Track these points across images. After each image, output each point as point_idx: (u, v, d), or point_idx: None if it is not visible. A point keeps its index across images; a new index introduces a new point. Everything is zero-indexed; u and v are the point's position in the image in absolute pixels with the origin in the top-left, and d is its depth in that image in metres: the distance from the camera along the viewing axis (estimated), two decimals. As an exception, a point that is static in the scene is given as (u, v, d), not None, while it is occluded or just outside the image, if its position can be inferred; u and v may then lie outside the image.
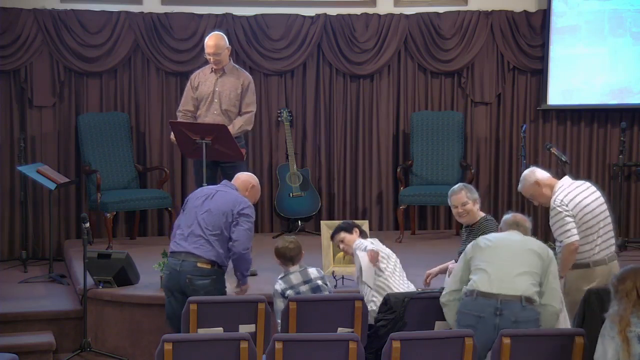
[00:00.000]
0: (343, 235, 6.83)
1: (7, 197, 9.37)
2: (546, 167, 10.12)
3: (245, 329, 5.96)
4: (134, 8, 9.55)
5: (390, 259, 6.58)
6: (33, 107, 9.41)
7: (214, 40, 8.03)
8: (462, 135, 9.91)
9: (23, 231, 9.23)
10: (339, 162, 10.03)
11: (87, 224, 7.31)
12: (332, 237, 6.96)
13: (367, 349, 5.82)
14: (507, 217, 6.16)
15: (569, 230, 6.30)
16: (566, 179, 6.59)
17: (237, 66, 8.30)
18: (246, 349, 5.23)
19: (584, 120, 10.22)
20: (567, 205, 6.36)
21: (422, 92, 10.09)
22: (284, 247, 6.61)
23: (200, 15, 9.64)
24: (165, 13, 9.60)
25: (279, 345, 5.19)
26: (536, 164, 10.09)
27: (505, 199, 10.24)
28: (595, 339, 5.47)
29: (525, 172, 6.69)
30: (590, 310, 5.82)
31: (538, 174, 6.58)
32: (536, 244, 5.90)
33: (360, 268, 6.49)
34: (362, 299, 6.13)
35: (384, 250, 6.62)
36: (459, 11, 10.00)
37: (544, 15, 9.96)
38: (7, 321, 7.44)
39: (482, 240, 5.93)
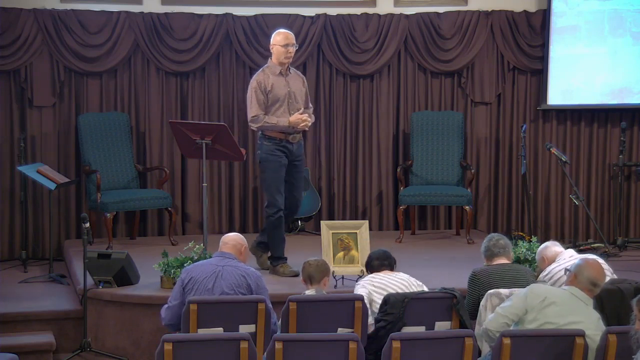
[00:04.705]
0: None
1: (7, 197, 9.37)
2: (546, 167, 10.18)
3: (245, 329, 5.96)
4: (134, 8, 9.55)
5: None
6: (33, 107, 9.41)
7: (290, 33, 8.00)
8: (462, 135, 9.91)
9: (23, 231, 9.22)
10: (339, 162, 10.03)
11: (87, 224, 7.30)
12: None
13: (366, 349, 5.82)
14: (584, 273, 5.72)
15: None
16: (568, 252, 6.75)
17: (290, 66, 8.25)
18: (246, 349, 5.22)
19: (584, 120, 10.22)
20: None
21: (422, 92, 10.09)
22: (307, 264, 6.45)
23: (200, 15, 9.64)
24: (165, 13, 9.60)
25: (279, 345, 5.18)
26: (536, 163, 10.13)
27: (505, 199, 10.24)
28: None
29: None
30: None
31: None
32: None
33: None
34: (362, 299, 6.13)
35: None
36: (459, 11, 10.00)
37: (544, 15, 9.95)
38: (7, 321, 7.43)
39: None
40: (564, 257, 6.63)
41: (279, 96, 7.89)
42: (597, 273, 5.65)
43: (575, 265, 5.71)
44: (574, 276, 5.64)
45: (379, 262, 6.63)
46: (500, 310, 5.68)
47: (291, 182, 8.03)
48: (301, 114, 7.89)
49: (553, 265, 6.63)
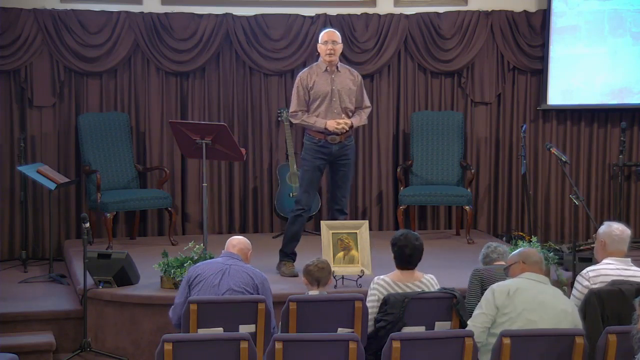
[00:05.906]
0: None
1: (7, 197, 9.37)
2: (546, 167, 10.19)
3: (245, 329, 5.96)
4: (134, 8, 9.55)
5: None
6: (33, 107, 9.41)
7: (333, 31, 8.03)
8: (462, 135, 9.91)
9: (23, 231, 9.22)
10: (339, 162, 10.02)
11: (87, 224, 7.30)
12: None
13: (366, 350, 5.81)
14: (532, 256, 5.93)
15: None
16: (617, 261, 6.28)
17: (344, 64, 8.21)
18: (246, 349, 5.22)
19: (584, 120, 10.22)
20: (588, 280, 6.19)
21: (422, 92, 10.09)
22: (313, 267, 6.37)
23: (200, 15, 9.64)
24: (165, 13, 9.60)
25: (279, 345, 5.18)
26: (536, 163, 10.13)
27: (505, 199, 10.24)
28: (596, 339, 5.47)
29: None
30: (591, 310, 5.82)
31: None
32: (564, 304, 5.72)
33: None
34: (362, 299, 6.13)
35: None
36: (459, 11, 10.00)
37: (544, 15, 9.96)
38: (7, 321, 7.44)
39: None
40: (617, 266, 6.18)
41: (320, 93, 7.90)
42: (538, 254, 5.99)
43: (519, 255, 5.95)
44: (522, 263, 5.87)
45: (409, 260, 6.22)
46: (471, 323, 5.74)
47: (335, 181, 8.09)
48: (348, 117, 7.91)
49: (603, 266, 6.20)
